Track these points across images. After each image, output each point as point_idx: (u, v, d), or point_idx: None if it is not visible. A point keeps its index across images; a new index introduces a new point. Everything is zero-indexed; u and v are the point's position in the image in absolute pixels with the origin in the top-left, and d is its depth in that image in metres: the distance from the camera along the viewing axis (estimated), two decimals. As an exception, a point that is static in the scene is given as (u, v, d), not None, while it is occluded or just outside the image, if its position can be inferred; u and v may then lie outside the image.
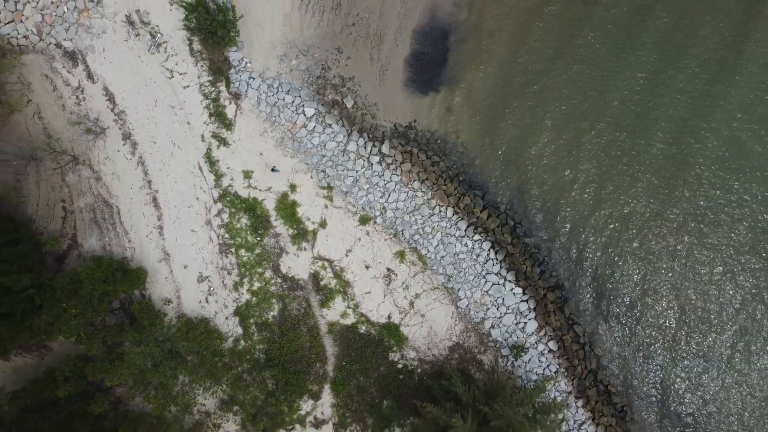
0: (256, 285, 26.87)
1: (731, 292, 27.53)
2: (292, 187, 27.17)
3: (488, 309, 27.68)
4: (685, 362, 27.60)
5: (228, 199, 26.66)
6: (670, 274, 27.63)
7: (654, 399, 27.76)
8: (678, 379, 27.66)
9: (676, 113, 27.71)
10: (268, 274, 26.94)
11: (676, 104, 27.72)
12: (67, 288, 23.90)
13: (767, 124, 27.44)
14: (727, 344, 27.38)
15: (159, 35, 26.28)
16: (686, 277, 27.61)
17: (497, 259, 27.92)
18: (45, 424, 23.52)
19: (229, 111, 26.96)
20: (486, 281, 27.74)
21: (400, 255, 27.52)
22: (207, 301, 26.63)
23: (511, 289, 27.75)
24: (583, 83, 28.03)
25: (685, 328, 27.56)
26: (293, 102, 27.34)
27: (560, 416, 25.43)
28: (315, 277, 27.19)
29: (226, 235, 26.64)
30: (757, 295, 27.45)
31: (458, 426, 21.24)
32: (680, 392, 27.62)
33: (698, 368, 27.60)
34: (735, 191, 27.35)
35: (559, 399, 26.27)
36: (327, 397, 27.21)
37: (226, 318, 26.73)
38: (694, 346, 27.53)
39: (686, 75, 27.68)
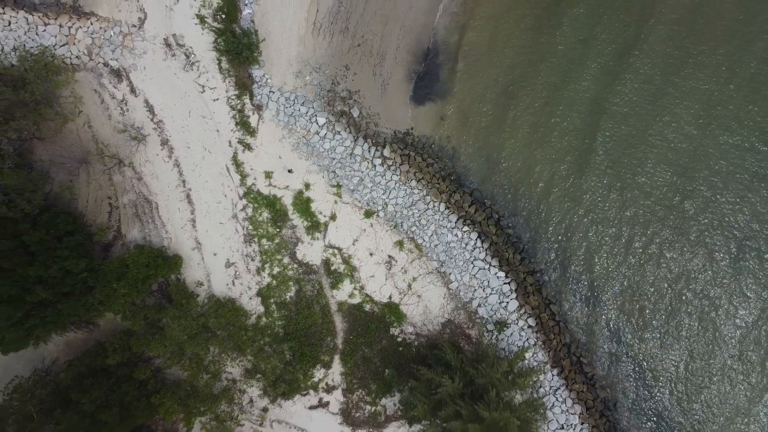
0: (276, 270, 29.49)
1: (688, 269, 30.70)
2: (307, 186, 29.66)
3: (475, 290, 30.29)
4: (648, 336, 30.64)
5: (251, 196, 29.33)
6: (631, 261, 30.71)
7: (620, 369, 30.79)
8: (641, 351, 30.73)
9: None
10: (286, 260, 29.58)
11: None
12: (116, 272, 26.82)
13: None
14: (686, 317, 30.71)
15: (192, 56, 28.75)
16: (646, 263, 30.89)
17: (483, 248, 30.44)
18: (97, 386, 26.60)
19: (253, 120, 29.43)
20: (474, 266, 30.28)
21: (400, 244, 30.22)
22: (233, 284, 29.40)
23: (495, 273, 30.25)
24: (558, 98, 30.88)
25: (647, 306, 30.67)
26: (307, 112, 29.74)
27: (536, 379, 28.81)
28: (326, 263, 29.77)
29: (250, 227, 29.35)
30: (710, 267, 30.37)
31: (448, 384, 24.51)
32: (643, 362, 30.70)
33: (659, 341, 30.61)
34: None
35: (536, 366, 29.60)
36: (337, 366, 29.89)
37: (250, 298, 29.50)
38: (654, 322, 30.60)
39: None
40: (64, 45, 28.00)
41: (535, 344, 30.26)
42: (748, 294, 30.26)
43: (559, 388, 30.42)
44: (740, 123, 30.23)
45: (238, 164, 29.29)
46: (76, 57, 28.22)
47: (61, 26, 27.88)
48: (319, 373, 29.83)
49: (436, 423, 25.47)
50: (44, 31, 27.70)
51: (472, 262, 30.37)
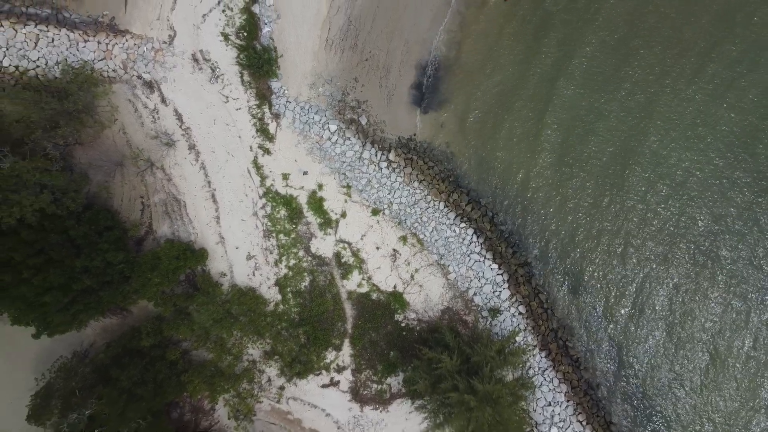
0: (292, 262, 31.54)
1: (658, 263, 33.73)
2: (320, 186, 31.74)
3: (471, 281, 32.54)
4: (624, 322, 33.30)
5: (270, 195, 31.39)
6: (611, 254, 33.43)
7: (601, 351, 33.47)
8: (619, 336, 33.36)
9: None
10: (301, 253, 31.62)
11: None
12: (150, 263, 28.95)
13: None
14: (660, 304, 33.46)
15: (217, 69, 30.72)
16: (624, 256, 33.58)
17: (479, 242, 32.58)
18: (134, 365, 28.77)
19: (271, 127, 31.44)
20: (470, 259, 32.48)
21: (403, 239, 32.29)
22: (254, 275, 31.41)
23: (490, 265, 32.47)
24: (544, 106, 33.58)
25: (624, 296, 33.39)
26: (320, 120, 31.78)
27: (525, 358, 31.58)
28: (337, 255, 31.90)
29: (269, 223, 31.39)
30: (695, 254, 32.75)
31: (446, 361, 27.16)
32: (621, 346, 33.30)
33: (637, 326, 33.22)
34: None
35: (525, 347, 32.23)
36: (347, 349, 31.98)
37: (269, 287, 31.54)
38: (631, 308, 33.28)
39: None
40: (101, 59, 29.73)
41: (525, 329, 32.69)
42: (726, 280, 32.88)
43: (546, 369, 32.86)
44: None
45: (258, 167, 31.44)
46: (113, 70, 30.00)
47: (99, 43, 29.64)
48: (330, 355, 31.98)
49: (435, 397, 28.27)
50: (84, 47, 29.53)
51: (468, 255, 32.69)
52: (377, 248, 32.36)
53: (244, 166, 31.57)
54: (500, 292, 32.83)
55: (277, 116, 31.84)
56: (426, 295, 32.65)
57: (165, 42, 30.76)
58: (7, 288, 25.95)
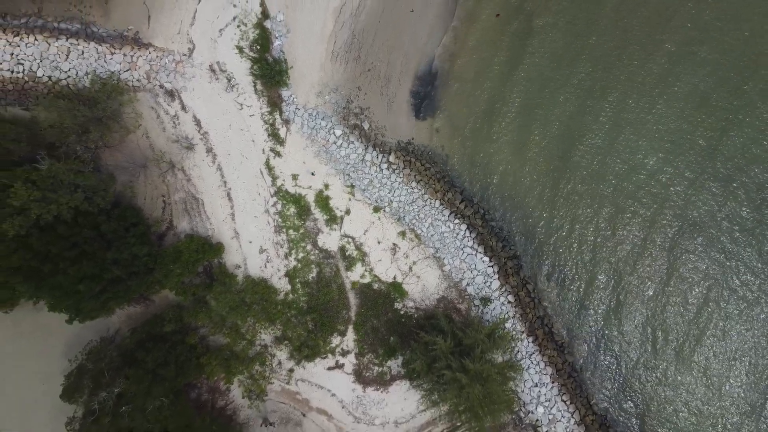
0: (301, 255, 33.23)
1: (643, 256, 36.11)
2: (326, 186, 33.37)
3: (465, 272, 34.20)
4: (607, 310, 35.55)
5: (281, 194, 33.04)
6: (592, 250, 35.76)
7: (585, 337, 35.74)
8: (601, 323, 35.62)
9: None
10: (309, 247, 33.29)
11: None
12: (172, 256, 31.16)
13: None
14: (632, 291, 35.69)
15: (233, 79, 32.46)
16: (605, 251, 36.03)
17: (471, 237, 34.16)
18: (157, 349, 30.98)
19: (282, 132, 33.10)
20: (463, 252, 34.12)
21: (402, 234, 33.86)
22: (266, 267, 33.28)
23: (481, 258, 34.12)
24: (533, 113, 35.96)
25: (605, 286, 35.69)
26: (326, 125, 33.35)
27: (514, 343, 33.95)
28: (342, 249, 33.53)
29: (279, 220, 33.16)
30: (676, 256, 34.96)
31: (440, 343, 29.43)
32: (603, 333, 35.56)
33: (617, 314, 35.42)
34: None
35: (513, 333, 34.40)
36: (350, 334, 33.73)
37: (279, 278, 33.35)
38: (615, 299, 35.54)
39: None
40: (127, 70, 31.58)
41: (513, 316, 34.77)
42: (708, 265, 35.13)
43: (533, 353, 34.90)
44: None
45: (269, 168, 33.15)
46: (137, 80, 31.76)
47: (124, 55, 31.49)
48: (336, 340, 33.66)
49: (431, 377, 30.65)
50: (111, 59, 31.54)
51: (462, 249, 34.40)
52: (378, 242, 34.07)
53: (257, 168, 33.33)
54: (491, 282, 34.56)
55: (287, 122, 33.57)
56: (423, 285, 34.38)
57: (185, 54, 32.76)
58: (45, 278, 28.31)
